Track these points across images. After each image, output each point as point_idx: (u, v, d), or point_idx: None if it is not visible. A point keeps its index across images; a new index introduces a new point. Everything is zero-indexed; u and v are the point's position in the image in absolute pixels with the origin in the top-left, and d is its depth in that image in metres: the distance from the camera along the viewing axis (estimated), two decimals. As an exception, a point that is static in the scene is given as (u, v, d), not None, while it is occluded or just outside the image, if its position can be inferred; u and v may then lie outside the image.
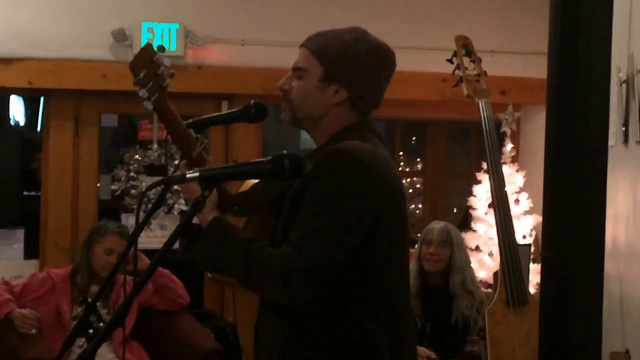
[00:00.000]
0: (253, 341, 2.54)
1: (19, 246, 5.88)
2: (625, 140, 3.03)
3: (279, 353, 2.38)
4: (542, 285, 3.60)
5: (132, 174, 5.90)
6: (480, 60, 4.99)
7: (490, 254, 5.66)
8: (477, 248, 5.76)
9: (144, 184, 5.84)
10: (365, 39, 2.49)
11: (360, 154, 2.33)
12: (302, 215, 2.29)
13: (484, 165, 5.35)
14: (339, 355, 2.33)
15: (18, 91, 6.33)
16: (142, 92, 2.33)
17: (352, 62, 2.45)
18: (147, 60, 2.34)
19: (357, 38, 2.47)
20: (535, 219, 5.68)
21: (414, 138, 7.84)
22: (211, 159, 2.45)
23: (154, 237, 5.74)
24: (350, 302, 2.34)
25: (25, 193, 6.46)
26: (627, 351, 2.93)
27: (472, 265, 4.95)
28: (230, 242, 2.31)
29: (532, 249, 5.54)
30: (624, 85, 3.02)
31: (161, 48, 2.36)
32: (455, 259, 4.72)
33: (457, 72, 4.96)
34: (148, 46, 2.34)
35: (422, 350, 4.46)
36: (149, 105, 2.34)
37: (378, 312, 2.36)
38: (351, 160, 2.32)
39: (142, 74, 2.33)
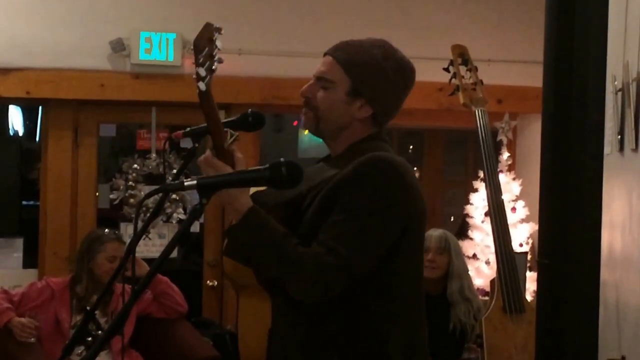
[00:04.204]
0: (267, 343, 2.56)
1: (17, 255, 5.87)
2: (621, 148, 3.05)
3: (299, 351, 2.41)
4: (539, 292, 3.62)
5: (130, 183, 5.89)
6: (476, 69, 5.02)
7: (487, 262, 5.66)
8: (474, 256, 5.76)
9: (142, 193, 5.83)
10: (393, 56, 2.49)
11: (396, 164, 2.40)
12: (334, 217, 2.32)
13: (481, 174, 5.36)
14: (355, 355, 2.37)
15: (16, 101, 6.33)
16: (201, 71, 2.24)
17: (379, 79, 2.47)
18: (208, 40, 2.25)
19: (386, 55, 2.48)
20: (532, 227, 5.69)
21: (411, 147, 7.84)
22: (241, 157, 2.38)
23: (152, 246, 5.74)
24: (369, 303, 2.38)
25: (24, 202, 6.46)
26: (623, 358, 2.95)
27: (469, 272, 4.96)
28: (267, 232, 2.30)
29: (529, 256, 5.56)
30: (620, 94, 3.04)
31: (219, 29, 2.27)
32: (453, 266, 4.72)
33: (453, 80, 4.98)
34: (209, 25, 2.26)
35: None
36: (202, 86, 2.25)
37: (395, 316, 2.43)
38: (388, 169, 2.37)
39: (204, 52, 2.24)
